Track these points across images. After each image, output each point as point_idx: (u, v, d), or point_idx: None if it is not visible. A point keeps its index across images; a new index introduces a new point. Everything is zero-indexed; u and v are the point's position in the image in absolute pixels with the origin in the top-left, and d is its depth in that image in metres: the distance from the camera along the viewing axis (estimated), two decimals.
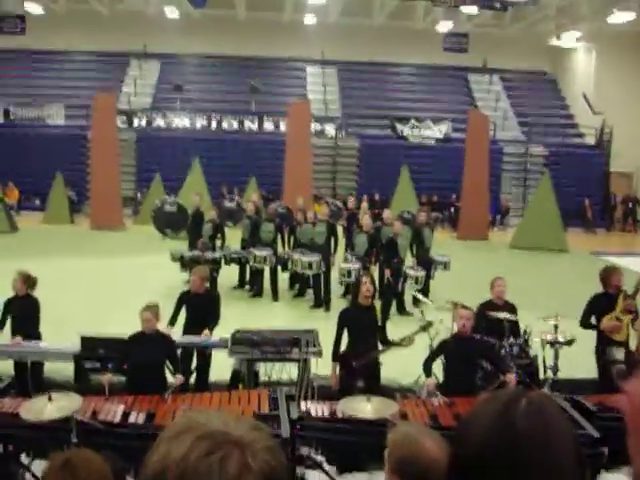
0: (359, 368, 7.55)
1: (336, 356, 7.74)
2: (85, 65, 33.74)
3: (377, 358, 7.82)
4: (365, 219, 14.13)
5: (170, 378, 7.35)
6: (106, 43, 32.45)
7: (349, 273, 12.77)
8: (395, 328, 9.26)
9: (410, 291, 13.05)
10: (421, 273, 13.16)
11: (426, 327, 8.05)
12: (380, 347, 7.83)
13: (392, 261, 13.19)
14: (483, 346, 7.66)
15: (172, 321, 8.68)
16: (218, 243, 14.72)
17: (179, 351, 7.98)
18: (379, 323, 7.94)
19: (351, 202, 19.68)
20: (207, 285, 9.35)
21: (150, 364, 7.19)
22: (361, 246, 13.63)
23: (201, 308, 8.72)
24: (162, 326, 7.82)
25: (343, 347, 7.83)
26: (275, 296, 14.08)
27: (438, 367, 7.62)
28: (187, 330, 8.71)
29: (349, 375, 7.67)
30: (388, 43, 32.57)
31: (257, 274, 14.29)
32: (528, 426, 1.46)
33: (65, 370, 8.58)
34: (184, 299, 8.85)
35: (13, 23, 31.61)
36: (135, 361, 7.21)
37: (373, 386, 7.42)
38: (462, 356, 7.23)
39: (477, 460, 1.47)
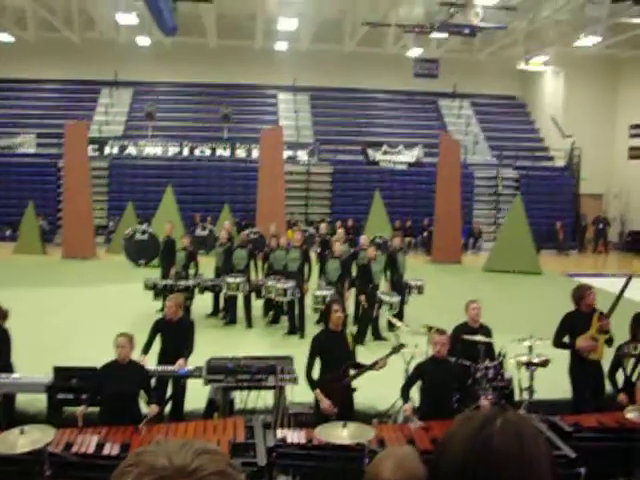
0: (335, 393, 7.51)
1: (313, 383, 7.69)
2: (56, 93, 33.64)
3: (350, 384, 7.78)
4: (336, 245, 14.14)
5: (144, 408, 7.27)
6: (77, 71, 32.42)
7: (324, 300, 12.62)
8: (370, 353, 9.26)
9: (385, 316, 13.07)
10: (395, 299, 13.18)
11: (397, 349, 8.02)
12: (352, 372, 7.79)
13: (367, 287, 13.22)
14: (458, 370, 7.68)
15: (146, 349, 8.60)
16: (191, 271, 14.65)
17: (154, 380, 7.91)
18: (350, 348, 7.93)
19: (323, 228, 19.67)
20: (181, 313, 9.30)
21: (124, 394, 7.10)
22: (333, 272, 13.60)
23: (176, 336, 8.65)
24: (136, 355, 7.74)
25: (315, 374, 7.78)
26: (249, 323, 14.03)
27: (415, 391, 7.62)
28: (162, 358, 8.62)
29: (320, 411, 7.62)
30: (359, 69, 32.85)
31: (231, 301, 14.22)
32: (504, 444, 1.46)
33: (38, 402, 8.46)
34: (159, 327, 8.78)
35: None
36: (109, 391, 7.13)
37: (347, 412, 7.39)
38: (439, 379, 7.24)
39: (455, 478, 1.47)
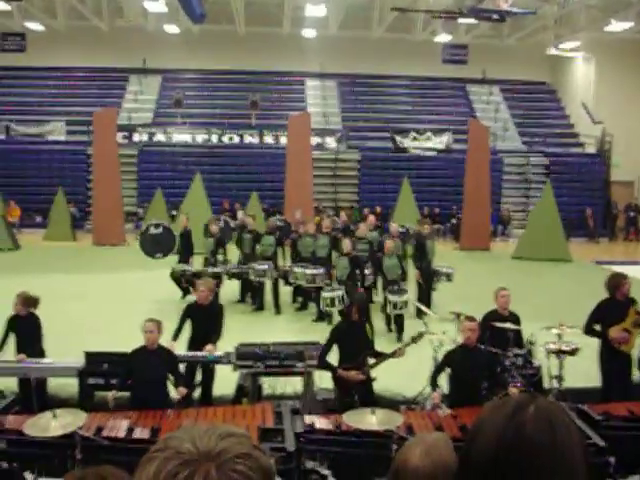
0: (354, 382, 7.53)
1: (331, 366, 7.71)
2: (85, 81, 33.83)
3: (369, 373, 7.79)
4: (345, 242, 13.43)
5: (173, 392, 7.33)
6: (106, 59, 32.58)
7: (332, 302, 12.39)
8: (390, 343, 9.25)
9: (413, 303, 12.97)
10: (402, 298, 12.36)
11: (417, 338, 8.02)
12: (371, 361, 7.80)
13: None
14: (488, 357, 7.65)
15: (176, 334, 8.66)
16: (220, 258, 14.71)
17: (183, 365, 7.96)
18: (370, 338, 7.95)
19: (343, 216, 19.64)
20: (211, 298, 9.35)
21: (153, 379, 7.16)
22: (342, 270, 13.08)
23: (207, 321, 8.70)
24: (165, 341, 7.80)
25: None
26: (277, 310, 14.06)
27: (444, 378, 7.61)
28: (192, 343, 8.68)
29: (343, 391, 7.65)
30: (387, 55, 32.65)
31: (258, 288, 14.26)
32: (537, 431, 1.46)
33: (69, 386, 8.56)
34: (189, 311, 8.83)
35: (14, 41, 31.76)
36: (138, 376, 7.19)
37: (368, 401, 7.40)
38: (468, 367, 7.22)
39: (486, 465, 1.47)
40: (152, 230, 20.90)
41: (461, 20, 27.95)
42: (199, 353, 8.45)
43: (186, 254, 15.15)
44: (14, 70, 33.05)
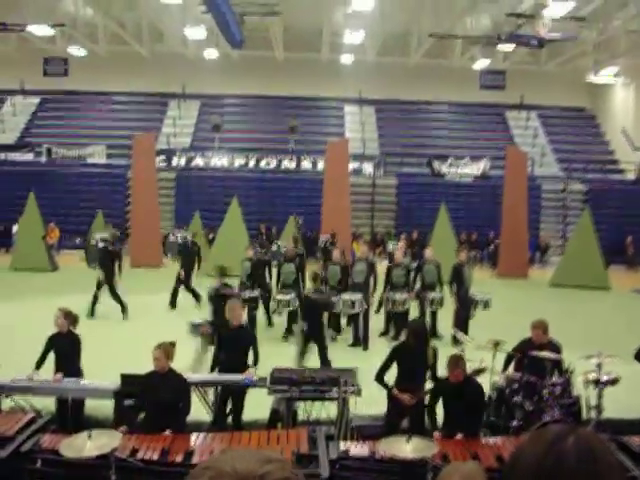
0: (408, 406, 7.51)
1: (387, 385, 7.73)
2: (126, 106, 34.36)
3: (424, 398, 7.76)
4: (335, 252, 14.85)
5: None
6: (146, 84, 33.06)
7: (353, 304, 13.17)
8: None
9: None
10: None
11: (480, 372, 7.99)
12: (429, 386, 7.79)
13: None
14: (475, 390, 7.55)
15: (215, 362, 8.69)
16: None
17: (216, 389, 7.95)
18: (430, 362, 7.91)
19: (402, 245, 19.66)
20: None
21: (162, 404, 7.14)
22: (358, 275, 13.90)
23: (236, 344, 8.70)
24: (181, 365, 7.80)
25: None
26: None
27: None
28: (221, 366, 8.66)
29: (394, 412, 7.62)
30: (425, 81, 32.72)
31: (292, 314, 14.13)
32: (578, 460, 1.44)
33: (105, 407, 8.60)
34: (222, 336, 8.83)
35: (57, 65, 32.39)
36: (148, 400, 7.20)
37: (418, 426, 7.35)
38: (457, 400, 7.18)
39: None
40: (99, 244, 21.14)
41: (499, 46, 27.93)
42: (232, 377, 8.44)
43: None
44: (56, 94, 33.69)
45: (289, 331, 14.11)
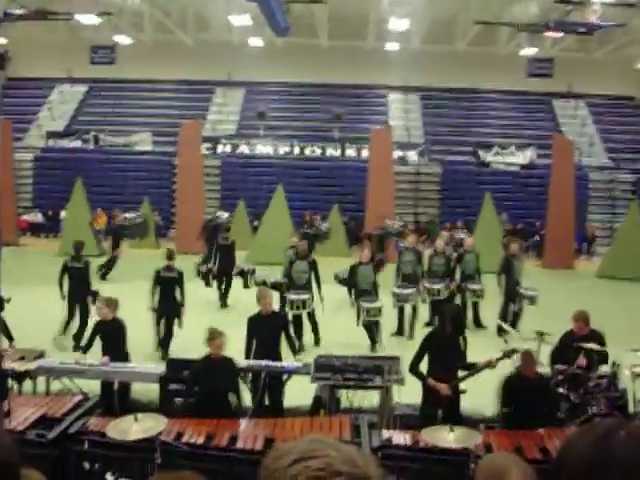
0: (442, 396, 7.47)
1: (422, 374, 7.69)
2: (172, 93, 34.59)
3: (458, 386, 7.72)
4: (411, 238, 14.73)
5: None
6: (192, 72, 33.20)
7: (400, 297, 13.18)
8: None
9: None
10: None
11: (509, 354, 7.90)
12: (462, 373, 7.74)
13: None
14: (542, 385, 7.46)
15: (248, 350, 8.74)
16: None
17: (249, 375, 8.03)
18: (462, 349, 7.87)
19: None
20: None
21: (215, 390, 7.18)
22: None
23: (270, 330, 8.75)
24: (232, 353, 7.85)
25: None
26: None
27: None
28: (257, 353, 8.71)
29: (429, 402, 7.60)
30: (471, 69, 32.35)
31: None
32: (629, 454, 1.42)
33: (150, 391, 8.72)
34: (253, 323, 8.87)
35: (104, 54, 32.71)
36: (201, 386, 7.25)
37: (453, 415, 7.32)
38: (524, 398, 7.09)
39: None
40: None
41: (547, 33, 27.51)
42: (273, 363, 8.49)
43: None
44: (103, 82, 34.04)
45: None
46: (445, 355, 7.64)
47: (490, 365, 7.67)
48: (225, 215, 21.82)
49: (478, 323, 14.04)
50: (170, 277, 11.82)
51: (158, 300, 11.67)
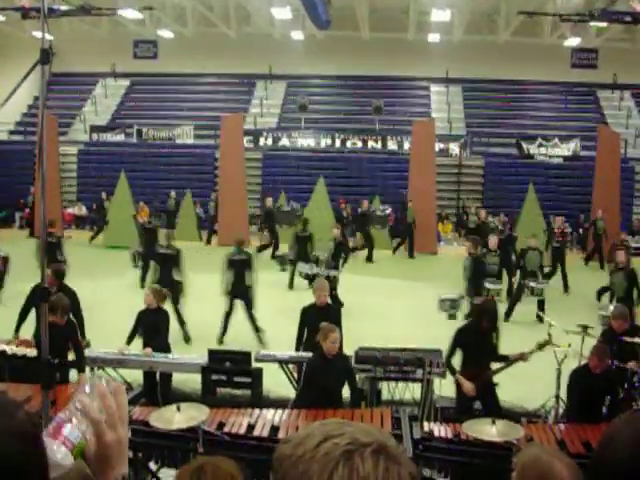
0: (476, 387, 7.43)
1: (453, 369, 7.64)
2: (213, 87, 34.78)
3: (491, 378, 7.67)
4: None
5: None
6: (233, 65, 33.33)
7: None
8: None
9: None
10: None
11: (543, 345, 7.83)
12: (496, 366, 7.69)
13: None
14: (614, 381, 7.34)
15: (299, 342, 8.78)
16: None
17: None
18: (494, 342, 7.82)
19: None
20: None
21: (328, 389, 7.10)
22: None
23: (325, 321, 8.77)
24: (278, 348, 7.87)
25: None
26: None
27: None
28: (308, 345, 8.74)
29: (463, 395, 7.55)
30: (514, 60, 32.00)
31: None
32: None
33: (192, 382, 8.81)
34: (306, 314, 8.90)
35: (146, 48, 33.03)
36: (315, 384, 7.18)
37: (490, 406, 7.28)
38: (591, 391, 6.98)
39: (620, 478, 1.43)
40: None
41: (592, 23, 27.10)
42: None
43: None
44: (146, 76, 34.37)
45: None
46: (478, 349, 7.59)
47: (523, 358, 7.63)
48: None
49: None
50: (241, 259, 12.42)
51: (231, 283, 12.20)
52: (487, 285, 13.57)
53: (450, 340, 7.79)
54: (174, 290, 11.91)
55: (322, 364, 7.07)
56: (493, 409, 7.27)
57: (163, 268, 12.52)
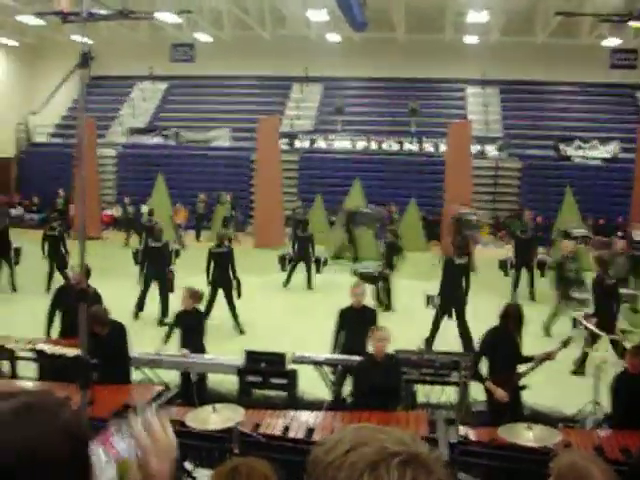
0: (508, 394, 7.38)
1: (481, 377, 7.59)
2: (250, 89, 34.94)
3: (518, 382, 7.61)
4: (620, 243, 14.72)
5: None
6: (269, 68, 33.44)
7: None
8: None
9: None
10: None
11: (566, 343, 7.76)
12: (523, 369, 7.62)
13: None
14: None
15: (335, 344, 8.80)
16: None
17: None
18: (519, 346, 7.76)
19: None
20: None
21: (379, 390, 7.11)
22: None
23: (362, 323, 8.78)
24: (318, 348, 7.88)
25: None
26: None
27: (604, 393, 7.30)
28: (346, 347, 8.75)
29: (493, 401, 7.50)
30: (551, 61, 31.71)
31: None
32: None
33: (228, 383, 8.86)
34: (344, 316, 8.91)
35: (184, 51, 33.23)
36: (364, 386, 7.21)
37: (516, 411, 7.23)
38: (635, 396, 6.85)
39: None
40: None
41: (631, 23, 26.74)
42: (353, 357, 8.50)
43: None
44: (183, 79, 34.64)
45: None
46: (506, 352, 7.54)
47: (550, 357, 7.58)
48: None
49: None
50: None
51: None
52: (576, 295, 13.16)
53: (476, 348, 7.75)
54: (229, 286, 13.21)
55: (370, 365, 7.10)
56: (518, 413, 7.21)
57: (218, 266, 13.46)
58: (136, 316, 13.62)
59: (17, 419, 1.19)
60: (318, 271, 17.79)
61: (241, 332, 12.84)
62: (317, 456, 1.26)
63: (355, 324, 8.76)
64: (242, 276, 13.80)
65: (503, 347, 7.57)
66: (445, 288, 11.88)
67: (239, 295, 13.37)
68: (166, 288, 13.78)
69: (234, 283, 13.31)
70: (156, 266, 13.96)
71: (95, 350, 7.67)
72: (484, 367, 7.67)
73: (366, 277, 14.32)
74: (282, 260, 18.28)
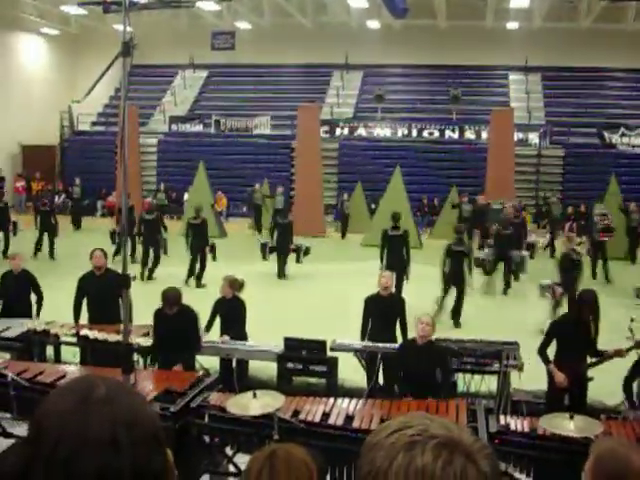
0: (569, 383, 7.30)
1: (547, 359, 7.51)
2: (290, 77, 34.94)
3: (586, 372, 7.53)
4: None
5: None
6: (310, 56, 33.41)
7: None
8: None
9: None
10: None
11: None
12: (591, 360, 7.54)
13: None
14: None
15: (364, 332, 8.81)
16: None
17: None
18: (592, 336, 7.65)
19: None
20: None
21: (420, 375, 7.13)
22: None
23: (389, 311, 8.77)
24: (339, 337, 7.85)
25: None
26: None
27: None
28: (372, 334, 8.76)
29: (556, 388, 7.43)
30: (595, 47, 31.18)
31: None
32: None
33: (269, 369, 8.90)
34: (369, 303, 8.91)
35: (224, 39, 33.34)
36: (407, 372, 7.24)
37: (579, 403, 7.14)
38: None
39: None
40: None
41: None
42: (389, 345, 8.50)
43: None
44: (224, 67, 34.77)
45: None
46: (574, 341, 7.45)
47: (620, 354, 7.47)
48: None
49: None
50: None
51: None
52: None
53: (546, 330, 7.71)
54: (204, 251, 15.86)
55: (411, 350, 7.08)
56: (577, 404, 7.14)
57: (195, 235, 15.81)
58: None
59: (119, 394, 1.22)
60: (298, 260, 17.66)
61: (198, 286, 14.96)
62: (367, 439, 1.28)
63: (381, 312, 8.75)
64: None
65: (572, 335, 7.47)
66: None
67: (214, 258, 16.20)
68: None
69: (207, 248, 15.81)
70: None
71: (158, 326, 7.85)
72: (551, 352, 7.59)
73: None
74: (263, 249, 18.02)
